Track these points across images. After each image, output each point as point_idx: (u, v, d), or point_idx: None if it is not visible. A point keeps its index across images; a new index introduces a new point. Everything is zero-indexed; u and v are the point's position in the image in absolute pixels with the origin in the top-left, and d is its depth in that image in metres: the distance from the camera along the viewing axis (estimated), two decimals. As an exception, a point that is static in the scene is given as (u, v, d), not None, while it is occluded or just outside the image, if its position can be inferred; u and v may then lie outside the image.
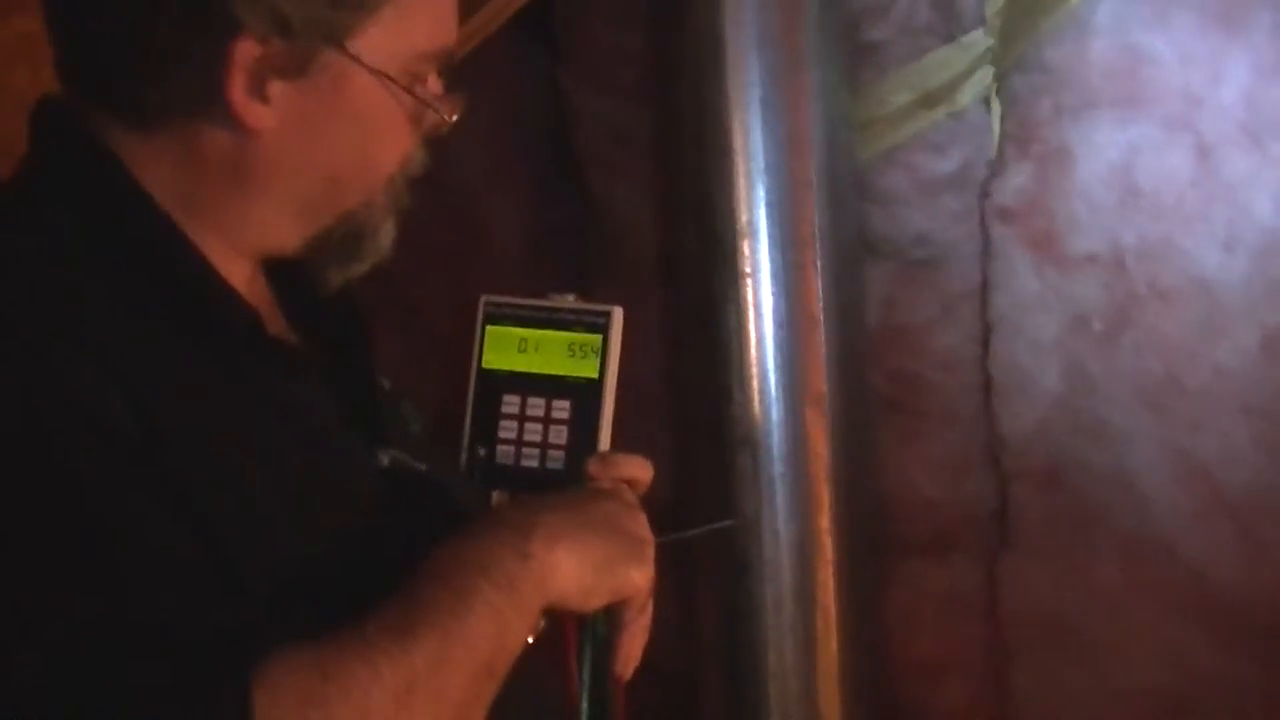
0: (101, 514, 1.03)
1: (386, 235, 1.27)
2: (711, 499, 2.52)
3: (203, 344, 1.16)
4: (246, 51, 1.15)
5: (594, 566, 1.19)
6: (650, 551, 1.24)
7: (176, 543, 1.05)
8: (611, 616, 1.25)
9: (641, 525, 1.25)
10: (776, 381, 2.48)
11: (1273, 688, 2.51)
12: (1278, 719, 2.51)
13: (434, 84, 1.25)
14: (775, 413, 2.48)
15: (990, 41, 2.55)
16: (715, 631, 2.57)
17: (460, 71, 1.29)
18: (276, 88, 1.17)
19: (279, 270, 1.29)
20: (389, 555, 1.14)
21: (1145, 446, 2.54)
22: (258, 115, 1.17)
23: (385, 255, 1.28)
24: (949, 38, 2.56)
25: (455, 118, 1.26)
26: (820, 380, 2.49)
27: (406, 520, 1.22)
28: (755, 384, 2.47)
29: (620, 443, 1.35)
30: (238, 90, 1.16)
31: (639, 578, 1.23)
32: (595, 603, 1.21)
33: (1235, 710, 2.53)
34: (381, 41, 1.19)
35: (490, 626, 1.11)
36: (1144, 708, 2.57)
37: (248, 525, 1.11)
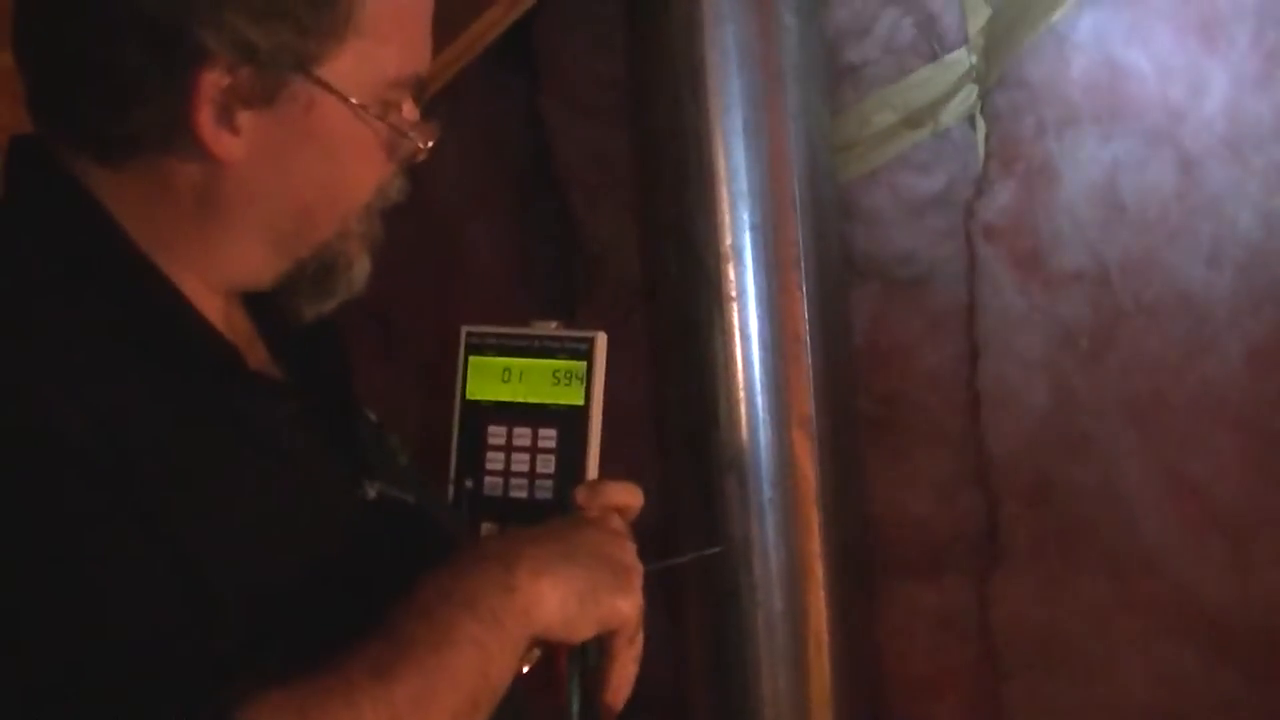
0: (77, 550, 1.02)
1: (361, 270, 1.25)
2: (699, 523, 2.51)
3: (180, 379, 1.14)
4: (213, 81, 1.13)
5: (579, 597, 1.17)
6: (638, 580, 1.23)
7: (154, 580, 1.04)
8: (601, 646, 1.24)
9: (629, 553, 1.23)
10: (763, 404, 2.47)
11: (1262, 703, 2.51)
12: (1270, 734, 2.51)
13: (409, 111, 1.23)
14: (762, 436, 2.47)
15: (973, 60, 2.55)
16: (706, 657, 2.56)
17: (440, 99, 1.28)
18: (245, 118, 1.15)
19: (260, 302, 1.28)
20: (377, 588, 1.12)
21: (1133, 463, 2.54)
22: (227, 146, 1.15)
23: (359, 290, 1.26)
24: (931, 57, 2.56)
25: (430, 145, 1.24)
26: (807, 402, 2.48)
27: (395, 552, 1.21)
28: (742, 407, 2.47)
29: (605, 468, 1.33)
30: (206, 121, 1.14)
31: (626, 607, 1.21)
32: (582, 633, 1.19)
33: (1226, 726, 2.52)
34: (352, 69, 1.17)
35: (474, 661, 1.09)
36: (1135, 723, 2.56)
37: (228, 561, 1.09)
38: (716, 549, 2.46)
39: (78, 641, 0.99)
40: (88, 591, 1.01)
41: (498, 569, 1.14)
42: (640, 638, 1.26)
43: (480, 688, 1.10)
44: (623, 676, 1.25)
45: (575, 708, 1.25)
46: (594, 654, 1.25)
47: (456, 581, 1.13)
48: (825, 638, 2.50)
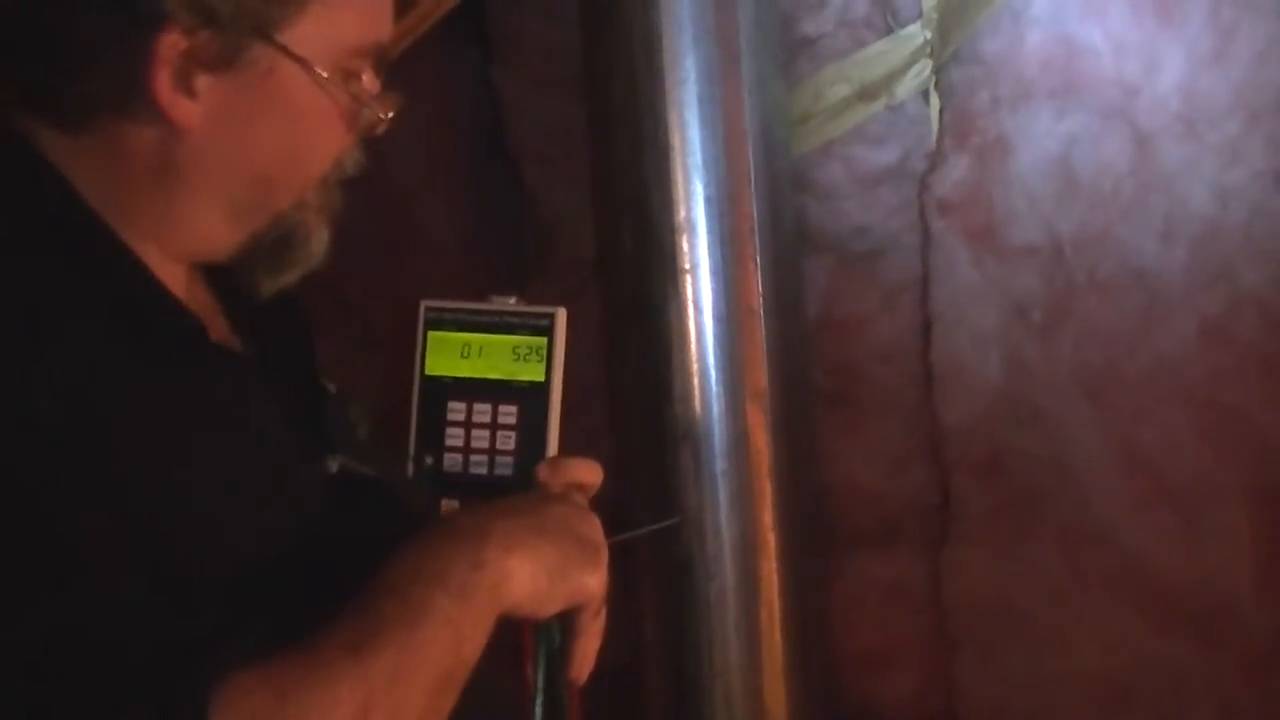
0: (41, 529, 1.01)
1: (320, 243, 1.24)
2: (653, 496, 2.50)
3: (143, 351, 1.13)
4: (172, 44, 1.11)
5: (548, 573, 1.17)
6: (604, 556, 1.23)
7: (120, 555, 1.03)
8: (566, 622, 1.24)
9: (595, 529, 1.24)
10: (717, 377, 2.46)
11: (1212, 672, 2.53)
12: (1218, 703, 2.53)
13: (370, 81, 1.22)
14: (716, 408, 2.47)
15: (928, 34, 2.55)
16: (659, 629, 2.56)
17: (393, 70, 1.27)
18: (203, 82, 1.13)
19: (220, 273, 1.27)
20: (341, 561, 1.12)
21: (1086, 436, 2.55)
22: (184, 111, 1.14)
23: (318, 263, 1.25)
24: (886, 31, 2.56)
25: (390, 116, 1.23)
26: (761, 375, 2.48)
27: (357, 526, 1.20)
28: (695, 380, 2.46)
29: (561, 442, 1.33)
30: (163, 85, 1.12)
31: (593, 583, 1.21)
32: (550, 609, 1.19)
33: (1176, 695, 2.54)
34: (313, 35, 1.16)
35: (446, 638, 1.09)
36: (1087, 693, 2.58)
37: (193, 534, 1.08)
38: (674, 520, 2.45)
39: (44, 622, 0.98)
40: (52, 570, 1.00)
41: (468, 545, 1.14)
42: (604, 613, 1.27)
43: (453, 664, 1.10)
44: (587, 652, 1.26)
45: (540, 683, 1.25)
46: (557, 630, 1.25)
47: (427, 558, 1.13)
48: (778, 609, 2.50)
